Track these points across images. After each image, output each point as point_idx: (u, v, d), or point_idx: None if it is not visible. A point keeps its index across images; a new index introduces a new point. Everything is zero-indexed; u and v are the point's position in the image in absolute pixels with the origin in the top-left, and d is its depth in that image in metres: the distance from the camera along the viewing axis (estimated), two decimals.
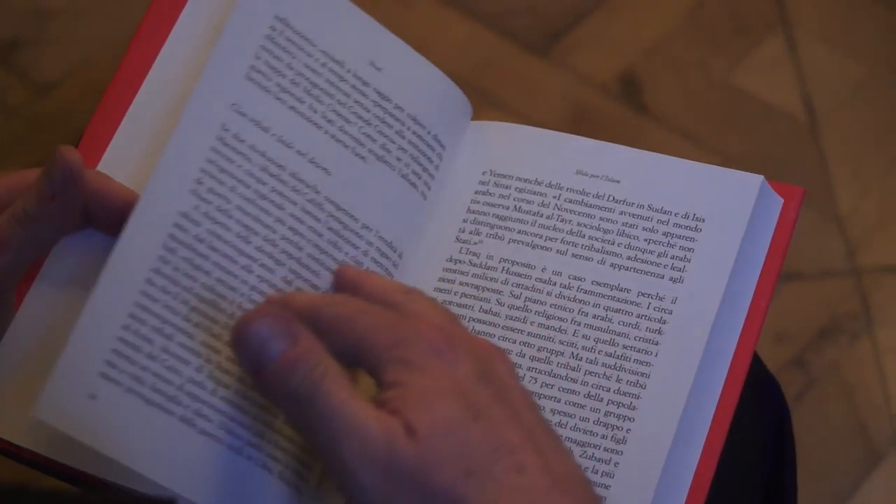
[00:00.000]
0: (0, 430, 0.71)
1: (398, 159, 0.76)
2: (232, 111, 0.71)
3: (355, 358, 0.64)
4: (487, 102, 1.68)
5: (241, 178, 0.71)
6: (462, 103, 0.80)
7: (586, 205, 0.77)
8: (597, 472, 0.72)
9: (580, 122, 1.68)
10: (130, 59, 0.76)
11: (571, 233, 0.77)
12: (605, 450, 0.73)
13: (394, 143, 0.76)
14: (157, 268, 0.68)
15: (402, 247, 0.76)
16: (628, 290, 0.75)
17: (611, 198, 0.77)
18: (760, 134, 1.68)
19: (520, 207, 0.78)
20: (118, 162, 0.75)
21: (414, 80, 0.77)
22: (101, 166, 0.75)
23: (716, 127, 1.68)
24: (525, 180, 0.78)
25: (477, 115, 0.81)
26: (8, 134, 1.65)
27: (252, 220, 0.70)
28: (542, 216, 0.77)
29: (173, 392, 0.68)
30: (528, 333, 0.75)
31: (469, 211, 0.78)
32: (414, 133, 0.77)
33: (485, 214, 0.78)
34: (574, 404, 0.74)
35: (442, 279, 0.77)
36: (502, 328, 0.75)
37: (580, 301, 0.75)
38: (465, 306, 0.76)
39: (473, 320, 0.76)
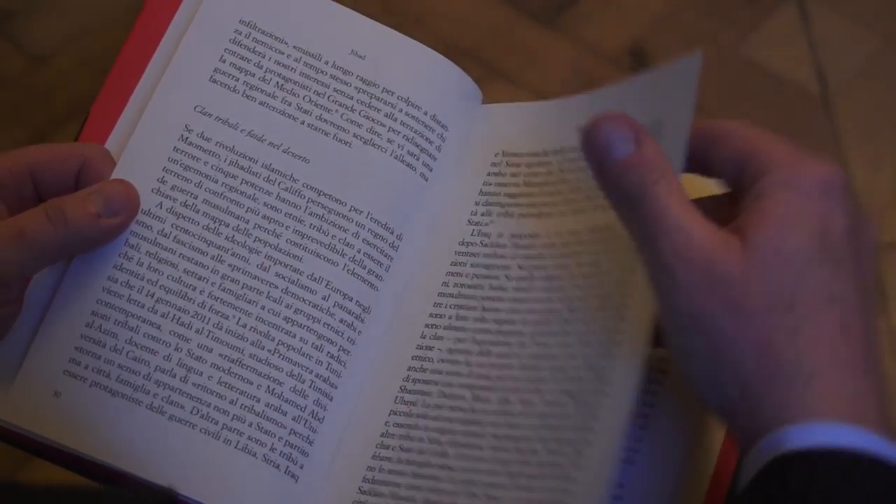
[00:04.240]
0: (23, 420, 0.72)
1: (389, 141, 0.76)
2: (195, 112, 0.75)
3: (740, 165, 0.66)
4: (493, 74, 1.68)
5: (207, 174, 0.74)
6: (463, 82, 0.79)
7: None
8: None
9: None
10: (136, 37, 0.76)
11: (574, 191, 0.76)
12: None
13: (383, 125, 0.77)
14: (119, 264, 0.73)
15: (399, 228, 0.77)
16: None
17: None
18: (771, 106, 1.68)
19: (529, 181, 0.78)
20: (123, 143, 0.75)
21: (403, 64, 0.78)
22: (107, 145, 0.76)
23: (726, 99, 1.67)
24: (533, 154, 0.78)
25: (484, 87, 0.81)
26: (2, 105, 1.64)
27: (221, 212, 0.74)
28: (547, 185, 0.77)
29: (140, 382, 0.72)
30: (534, 300, 0.74)
31: (481, 193, 0.78)
32: (407, 114, 0.77)
33: (497, 195, 0.78)
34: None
35: (454, 262, 0.77)
36: (509, 301, 0.75)
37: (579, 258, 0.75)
38: (476, 286, 0.76)
39: (484, 298, 0.75)
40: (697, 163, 0.68)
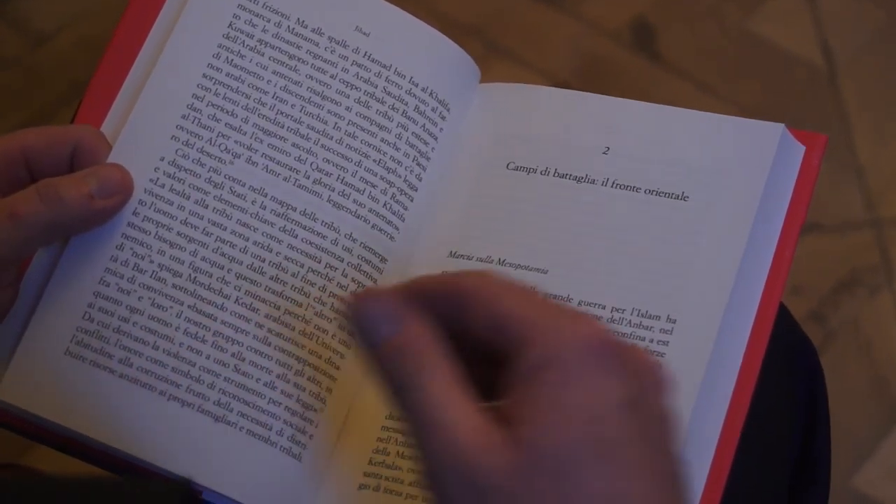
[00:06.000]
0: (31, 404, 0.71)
1: (390, 120, 0.77)
2: (199, 89, 0.75)
3: (494, 334, 0.58)
4: (495, 52, 1.67)
5: (210, 153, 0.74)
6: (463, 61, 0.80)
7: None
8: None
9: (591, 72, 1.67)
10: (130, 16, 0.76)
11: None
12: None
13: (384, 103, 0.77)
14: (120, 244, 0.72)
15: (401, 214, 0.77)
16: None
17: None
18: (777, 83, 1.67)
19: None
20: (120, 125, 0.75)
21: (403, 41, 0.78)
22: (103, 128, 0.75)
23: (731, 76, 1.67)
24: (538, 138, 0.78)
25: (485, 65, 0.81)
26: (2, 87, 1.64)
27: (225, 191, 0.74)
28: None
29: (141, 363, 0.71)
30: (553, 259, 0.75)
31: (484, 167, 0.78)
32: (410, 94, 0.78)
33: (496, 167, 0.79)
34: None
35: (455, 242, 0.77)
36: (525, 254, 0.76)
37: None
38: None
39: (507, 263, 0.76)
40: (451, 328, 0.59)
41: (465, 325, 0.58)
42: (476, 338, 0.58)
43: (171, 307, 0.72)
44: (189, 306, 0.72)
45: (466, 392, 0.57)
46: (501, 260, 0.76)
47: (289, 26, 0.77)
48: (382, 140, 0.76)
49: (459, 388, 0.57)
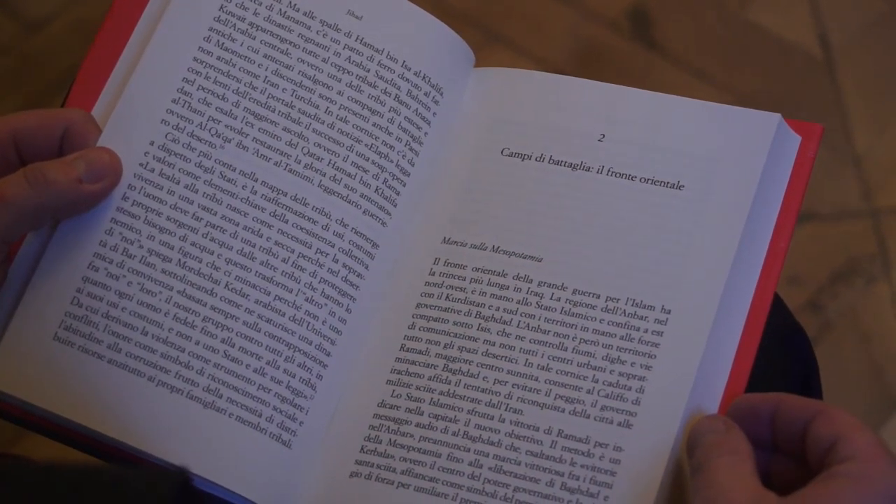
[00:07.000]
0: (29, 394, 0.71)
1: (382, 104, 0.77)
2: (189, 73, 0.75)
3: (828, 446, 0.67)
4: (492, 40, 1.67)
5: (201, 137, 0.74)
6: (456, 45, 0.79)
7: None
8: (612, 425, 0.71)
9: (588, 60, 1.66)
10: (122, 0, 0.77)
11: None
12: (624, 398, 0.72)
13: (375, 87, 0.77)
14: (109, 229, 0.72)
15: (398, 199, 0.77)
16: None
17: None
18: (774, 71, 1.67)
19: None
20: (110, 109, 0.75)
21: (396, 25, 0.78)
22: (93, 112, 0.75)
23: (728, 64, 1.66)
24: (533, 124, 0.78)
25: (482, 53, 0.81)
26: None
27: (217, 176, 0.74)
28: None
29: (130, 348, 0.71)
30: (547, 248, 0.75)
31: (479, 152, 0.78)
32: (402, 77, 0.77)
33: (490, 153, 0.78)
34: (593, 343, 0.73)
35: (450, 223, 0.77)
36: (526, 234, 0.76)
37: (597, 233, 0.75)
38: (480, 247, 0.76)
39: (501, 251, 0.75)
40: (793, 434, 0.69)
41: (797, 437, 0.68)
42: (795, 449, 0.69)
43: (161, 292, 0.72)
44: (178, 291, 0.72)
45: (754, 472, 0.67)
46: (495, 247, 0.75)
47: (280, 9, 0.76)
48: (374, 125, 0.76)
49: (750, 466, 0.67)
